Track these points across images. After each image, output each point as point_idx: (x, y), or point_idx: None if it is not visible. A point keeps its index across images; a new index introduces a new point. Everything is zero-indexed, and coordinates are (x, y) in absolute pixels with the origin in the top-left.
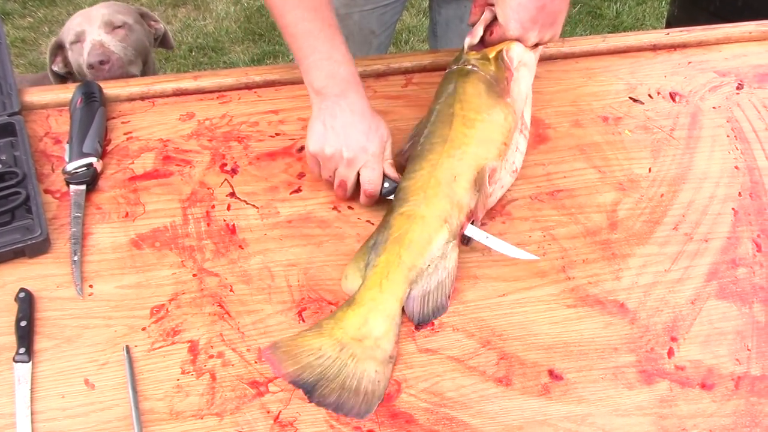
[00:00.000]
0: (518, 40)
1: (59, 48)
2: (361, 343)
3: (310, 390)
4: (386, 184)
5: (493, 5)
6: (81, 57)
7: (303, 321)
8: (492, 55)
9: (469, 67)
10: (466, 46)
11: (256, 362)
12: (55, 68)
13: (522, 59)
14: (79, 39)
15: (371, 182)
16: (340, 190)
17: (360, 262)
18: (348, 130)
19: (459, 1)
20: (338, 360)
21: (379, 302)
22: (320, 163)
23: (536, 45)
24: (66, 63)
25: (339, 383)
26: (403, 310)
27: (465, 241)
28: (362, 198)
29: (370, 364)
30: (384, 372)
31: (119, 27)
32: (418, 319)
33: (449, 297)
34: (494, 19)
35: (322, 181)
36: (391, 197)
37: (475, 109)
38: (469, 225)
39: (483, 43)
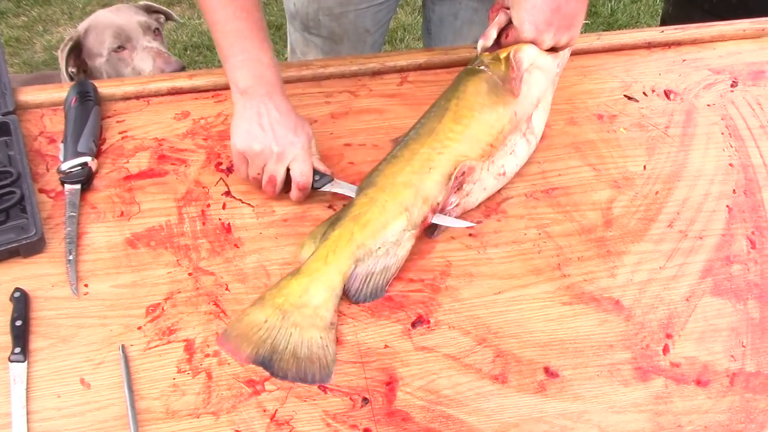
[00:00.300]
0: (533, 42)
1: (75, 50)
2: (300, 311)
3: (268, 364)
4: (317, 177)
5: (509, 8)
6: (137, 64)
7: None
8: (503, 55)
9: (481, 67)
10: (479, 48)
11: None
12: (72, 71)
13: (535, 62)
14: (124, 47)
15: (303, 174)
16: (269, 186)
17: (317, 235)
18: (275, 127)
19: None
20: (282, 329)
21: (322, 273)
22: (248, 160)
23: (554, 49)
24: (78, 66)
25: (290, 353)
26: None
27: (429, 232)
28: (294, 193)
29: (314, 331)
30: (329, 336)
31: (156, 29)
32: (355, 297)
33: (389, 283)
34: (509, 22)
35: (247, 181)
36: (325, 189)
37: (469, 107)
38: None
39: (499, 45)
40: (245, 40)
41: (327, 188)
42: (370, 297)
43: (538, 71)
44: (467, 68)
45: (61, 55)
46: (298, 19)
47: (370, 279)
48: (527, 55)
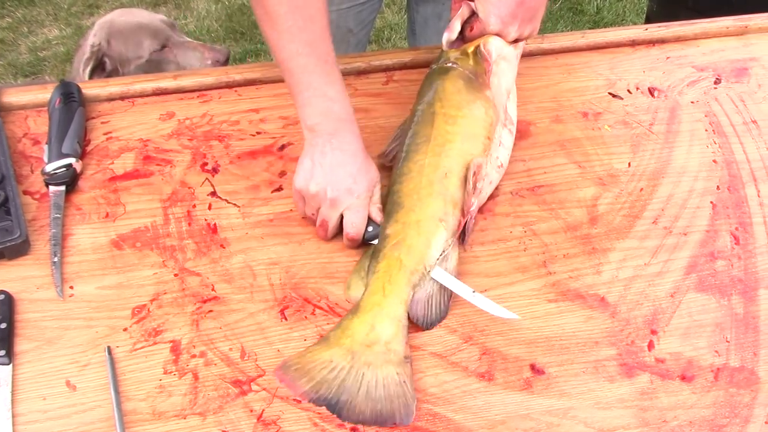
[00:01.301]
0: (498, 34)
1: (96, 54)
2: (371, 349)
3: (335, 407)
4: (370, 228)
5: (472, 0)
6: (182, 61)
7: (285, 319)
8: (471, 49)
9: (449, 64)
10: (444, 41)
11: (241, 360)
12: (92, 75)
13: (501, 53)
14: (165, 45)
15: (354, 226)
16: (321, 230)
17: (361, 271)
18: (336, 170)
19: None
20: (353, 369)
21: (384, 306)
22: (305, 199)
23: (516, 41)
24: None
25: (363, 394)
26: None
27: (461, 238)
28: (345, 241)
29: (389, 368)
30: (405, 372)
31: (173, 24)
32: (424, 323)
33: (450, 298)
34: (472, 14)
35: (307, 218)
36: (374, 242)
37: (456, 106)
38: (438, 268)
39: (463, 38)
40: (311, 75)
41: (387, 201)
42: (438, 319)
43: (504, 62)
44: (437, 68)
45: (83, 74)
46: None
47: (432, 301)
48: (494, 46)
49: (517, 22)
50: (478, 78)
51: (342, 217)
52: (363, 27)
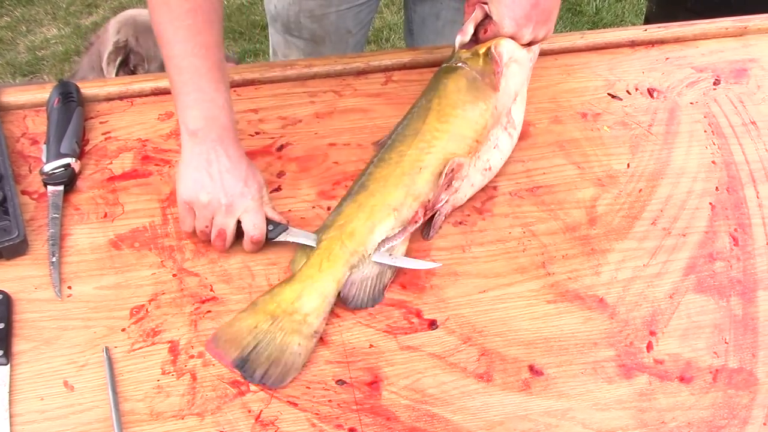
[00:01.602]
0: (512, 37)
1: (123, 50)
2: (290, 317)
3: (242, 367)
4: (271, 227)
5: (485, 3)
6: None
7: None
8: (482, 51)
9: (458, 64)
10: (457, 44)
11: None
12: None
13: (513, 56)
14: None
15: (256, 227)
16: (219, 241)
17: (308, 246)
18: (224, 176)
19: None
20: (269, 333)
21: (316, 280)
22: (195, 212)
23: (531, 43)
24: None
25: (266, 356)
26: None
27: (424, 233)
28: (247, 245)
29: (295, 337)
30: (306, 345)
31: None
32: (353, 304)
33: (386, 287)
34: (486, 17)
35: (195, 234)
36: (280, 239)
37: (452, 105)
38: (379, 253)
39: (477, 41)
40: (201, 79)
41: (282, 238)
42: (368, 303)
43: (515, 65)
44: (445, 66)
45: (109, 69)
46: (279, 22)
47: (367, 284)
48: (506, 49)
49: (531, 25)
50: (485, 79)
51: (239, 222)
52: (361, 27)
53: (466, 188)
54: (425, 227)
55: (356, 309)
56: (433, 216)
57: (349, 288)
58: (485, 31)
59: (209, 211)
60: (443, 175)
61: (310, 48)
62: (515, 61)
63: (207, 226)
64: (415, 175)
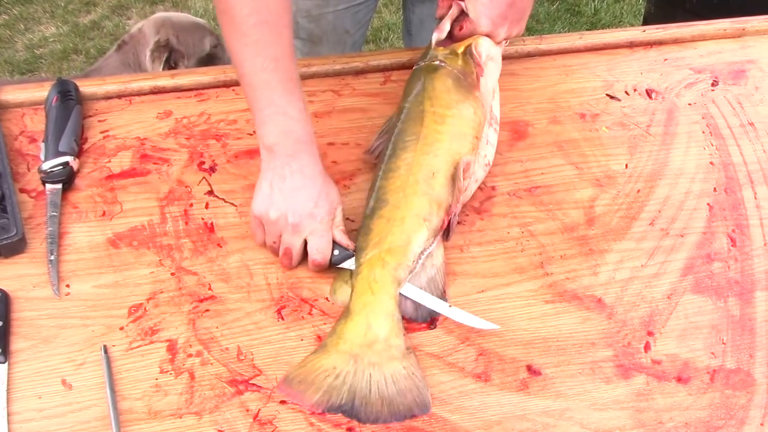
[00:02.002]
0: (488, 35)
1: (167, 47)
2: (372, 349)
3: (351, 412)
4: (336, 252)
5: (462, 0)
6: (227, 57)
7: (282, 319)
8: (460, 50)
9: (437, 62)
10: (433, 41)
11: (238, 360)
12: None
13: (489, 54)
14: (219, 43)
15: (320, 251)
16: (285, 259)
17: (344, 275)
18: (296, 194)
19: (432, 0)
20: (359, 372)
21: (375, 304)
22: (264, 227)
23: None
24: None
25: (376, 394)
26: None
27: (446, 236)
28: (310, 266)
29: (394, 363)
30: (411, 363)
31: None
32: (416, 317)
33: (444, 292)
34: (461, 14)
35: (264, 248)
36: (344, 265)
37: (446, 105)
38: (408, 285)
39: (452, 38)
40: (273, 92)
41: (346, 265)
42: (431, 313)
43: (491, 63)
44: (425, 65)
45: (154, 66)
46: None
47: (423, 295)
48: (484, 48)
49: (507, 23)
50: (467, 78)
51: (305, 242)
52: (360, 27)
53: (472, 185)
54: (446, 229)
55: (423, 322)
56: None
57: (405, 304)
58: (461, 28)
59: (277, 228)
60: (459, 178)
61: (308, 48)
62: (491, 59)
63: (275, 242)
64: (430, 180)
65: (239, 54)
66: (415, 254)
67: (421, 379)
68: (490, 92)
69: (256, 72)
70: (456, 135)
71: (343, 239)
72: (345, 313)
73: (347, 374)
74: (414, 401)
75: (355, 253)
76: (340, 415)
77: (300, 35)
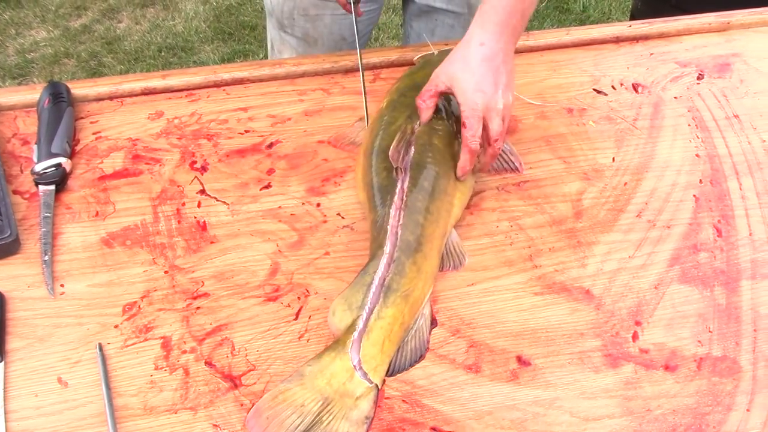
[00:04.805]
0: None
1: None
2: (341, 400)
3: None
4: None
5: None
6: None
7: (275, 315)
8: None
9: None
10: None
11: (231, 355)
12: None
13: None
14: None
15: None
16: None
17: (351, 299)
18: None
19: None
20: (319, 416)
21: (377, 362)
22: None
23: None
24: None
25: None
26: None
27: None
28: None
29: (345, 424)
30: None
31: None
32: (393, 369)
33: (427, 341)
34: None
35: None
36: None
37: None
38: None
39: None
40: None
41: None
42: (410, 364)
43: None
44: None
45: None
46: (274, 17)
47: (405, 348)
48: None
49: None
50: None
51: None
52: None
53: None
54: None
55: (395, 374)
56: None
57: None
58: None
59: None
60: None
61: (303, 48)
62: None
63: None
64: (449, 221)
65: None
66: (424, 313)
67: None
68: None
69: None
70: (465, 196)
71: None
72: (340, 345)
73: (307, 414)
74: None
75: (384, 292)
76: None
77: (296, 33)
